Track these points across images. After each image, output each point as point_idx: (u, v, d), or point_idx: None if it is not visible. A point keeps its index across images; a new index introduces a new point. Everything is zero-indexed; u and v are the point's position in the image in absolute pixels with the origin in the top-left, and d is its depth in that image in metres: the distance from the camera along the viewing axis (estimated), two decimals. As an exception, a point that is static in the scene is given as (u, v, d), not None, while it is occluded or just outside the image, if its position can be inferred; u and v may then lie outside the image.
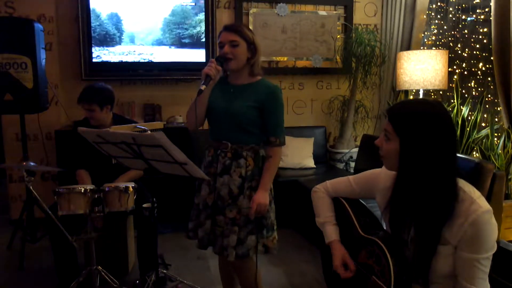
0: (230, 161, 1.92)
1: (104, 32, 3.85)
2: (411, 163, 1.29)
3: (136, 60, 3.95)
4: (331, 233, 1.61)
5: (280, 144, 1.96)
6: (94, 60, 3.84)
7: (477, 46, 3.85)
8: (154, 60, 3.97)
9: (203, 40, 4.04)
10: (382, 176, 1.52)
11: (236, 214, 1.91)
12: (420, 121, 1.27)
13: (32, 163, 2.53)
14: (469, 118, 3.58)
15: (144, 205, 2.16)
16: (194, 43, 4.03)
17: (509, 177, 3.13)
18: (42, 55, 3.15)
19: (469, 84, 3.91)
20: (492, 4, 3.19)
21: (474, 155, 3.47)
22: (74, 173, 2.68)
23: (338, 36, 4.46)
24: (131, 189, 2.23)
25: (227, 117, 1.92)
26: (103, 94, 2.64)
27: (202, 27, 4.02)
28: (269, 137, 1.96)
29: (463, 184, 1.30)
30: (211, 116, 1.99)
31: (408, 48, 4.27)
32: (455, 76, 3.96)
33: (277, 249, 2.01)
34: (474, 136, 3.47)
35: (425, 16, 4.21)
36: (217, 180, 1.94)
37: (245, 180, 1.92)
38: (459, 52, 4.02)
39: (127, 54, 3.91)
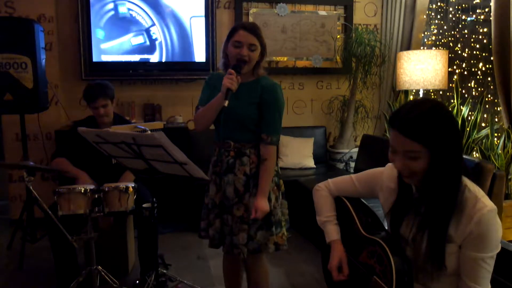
0: (233, 160, 1.93)
1: None
2: (442, 169, 1.25)
3: (136, 60, 3.95)
4: (332, 232, 1.60)
5: (272, 143, 1.89)
6: (94, 60, 3.85)
7: (477, 46, 3.85)
8: (154, 60, 3.98)
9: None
10: (385, 175, 1.51)
11: (244, 212, 1.91)
12: (442, 125, 1.22)
13: (32, 163, 2.52)
14: (469, 118, 3.58)
15: (144, 205, 2.15)
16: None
17: (509, 177, 3.13)
18: (42, 55, 3.15)
19: (469, 84, 3.91)
20: (492, 4, 3.19)
21: (474, 155, 3.47)
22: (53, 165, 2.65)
23: (338, 36, 4.46)
24: (131, 189, 2.23)
25: (230, 117, 1.91)
26: (110, 88, 2.70)
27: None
28: (261, 133, 1.90)
29: (467, 182, 1.30)
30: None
31: (408, 48, 4.27)
32: (455, 76, 3.96)
33: (287, 246, 1.99)
34: (474, 136, 3.47)
35: (425, 16, 4.22)
36: (222, 179, 1.95)
37: (250, 178, 1.93)
38: (459, 52, 4.03)
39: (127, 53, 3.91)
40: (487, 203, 1.24)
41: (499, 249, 1.26)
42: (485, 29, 3.75)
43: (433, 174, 1.25)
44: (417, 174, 1.26)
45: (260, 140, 1.91)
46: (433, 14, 4.32)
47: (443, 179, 1.26)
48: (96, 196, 2.19)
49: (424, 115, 1.22)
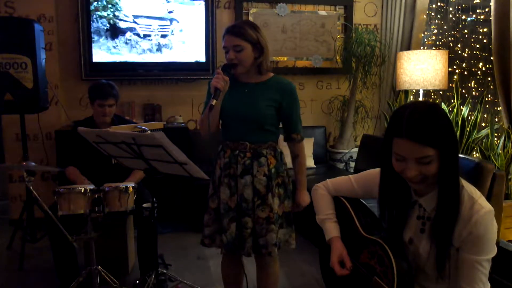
0: (250, 161, 1.90)
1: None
2: (450, 168, 1.24)
3: (136, 60, 3.95)
4: (332, 229, 1.59)
5: (302, 139, 1.99)
6: (94, 60, 3.85)
7: (477, 46, 3.85)
8: (154, 60, 3.98)
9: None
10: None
11: (269, 213, 1.90)
12: (444, 123, 1.22)
13: (32, 163, 2.53)
14: (469, 118, 3.58)
15: (144, 205, 2.15)
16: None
17: (509, 177, 3.13)
18: (42, 55, 3.15)
19: (469, 84, 3.91)
20: (492, 4, 3.19)
21: (474, 155, 3.47)
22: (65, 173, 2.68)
23: (338, 36, 4.46)
24: (131, 189, 2.23)
25: (246, 119, 1.89)
26: (117, 90, 2.73)
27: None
28: (290, 134, 1.98)
29: (464, 183, 1.30)
30: (226, 118, 1.94)
31: (408, 48, 4.27)
32: (455, 76, 3.96)
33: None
34: (474, 136, 3.47)
35: (425, 16, 4.21)
36: (238, 182, 1.91)
37: (271, 179, 1.92)
38: (459, 52, 4.02)
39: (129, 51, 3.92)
40: (484, 205, 1.24)
41: (495, 253, 1.25)
42: (485, 29, 3.75)
43: (443, 175, 1.24)
44: (428, 178, 1.25)
45: (290, 140, 1.99)
46: (433, 14, 4.32)
47: (450, 178, 1.26)
48: (96, 196, 2.19)
49: (430, 118, 1.20)
